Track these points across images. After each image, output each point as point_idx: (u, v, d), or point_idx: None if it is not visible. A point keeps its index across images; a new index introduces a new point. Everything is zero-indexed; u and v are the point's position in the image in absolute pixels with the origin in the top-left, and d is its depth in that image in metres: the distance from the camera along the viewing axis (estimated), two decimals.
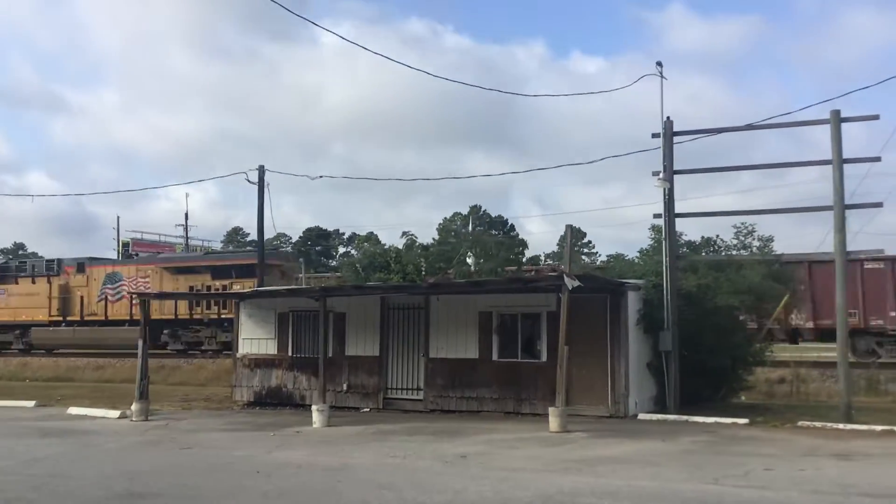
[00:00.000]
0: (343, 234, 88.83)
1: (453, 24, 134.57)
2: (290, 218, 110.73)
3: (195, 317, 33.23)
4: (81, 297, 35.85)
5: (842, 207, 14.98)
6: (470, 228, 66.52)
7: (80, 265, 36.57)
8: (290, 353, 19.27)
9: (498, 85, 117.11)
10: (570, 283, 13.54)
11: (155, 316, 30.23)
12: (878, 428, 13.82)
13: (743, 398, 22.38)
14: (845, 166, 15.10)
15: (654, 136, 16.63)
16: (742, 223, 19.32)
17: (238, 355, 20.03)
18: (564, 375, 14.03)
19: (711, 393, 18.14)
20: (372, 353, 18.23)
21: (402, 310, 18.08)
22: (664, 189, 16.26)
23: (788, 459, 10.94)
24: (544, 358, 16.42)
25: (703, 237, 20.34)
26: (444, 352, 17.55)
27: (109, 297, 35.58)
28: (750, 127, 16.42)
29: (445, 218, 75.92)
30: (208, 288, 32.48)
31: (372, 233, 58.47)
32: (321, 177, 37.65)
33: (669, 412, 15.96)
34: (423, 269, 20.66)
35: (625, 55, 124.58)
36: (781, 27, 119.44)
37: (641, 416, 15.73)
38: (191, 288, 32.62)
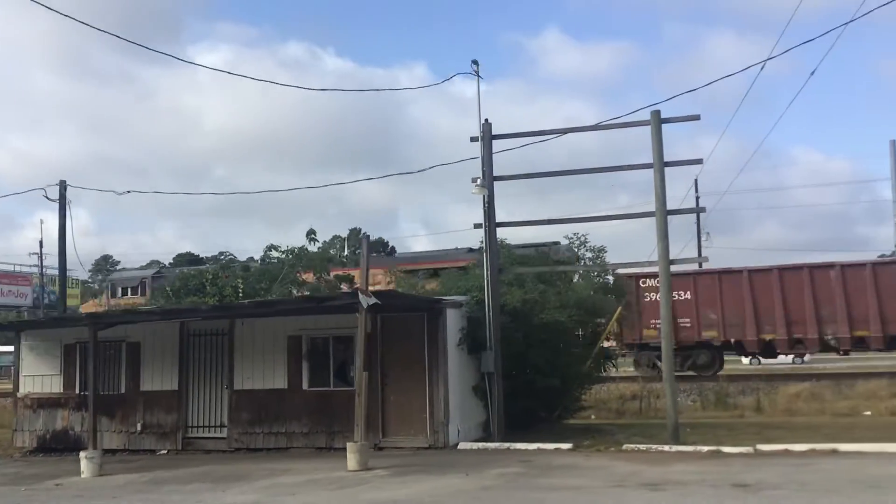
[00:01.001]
0: (221, 258, 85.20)
1: (334, 47, 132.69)
2: (168, 244, 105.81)
3: None
4: None
5: (664, 213, 14.13)
6: (345, 251, 64.82)
7: None
8: (77, 391, 16.85)
9: (380, 108, 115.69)
10: (366, 300, 12.00)
11: None
12: (705, 448, 12.89)
13: (593, 417, 21.57)
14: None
15: (473, 139, 15.41)
16: (574, 234, 18.41)
17: (19, 395, 17.46)
18: (364, 405, 12.46)
19: (547, 414, 17.06)
20: (170, 386, 16.10)
21: (204, 336, 16.07)
22: (483, 196, 15.03)
23: (593, 492, 9.71)
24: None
25: (536, 249, 19.26)
26: (251, 382, 15.65)
27: None
28: (571, 130, 15.49)
29: (325, 241, 74.20)
30: None
31: (252, 258, 55.98)
32: (128, 192, 34.21)
33: (493, 439, 14.64)
34: (241, 290, 18.70)
35: (505, 79, 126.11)
36: (651, 53, 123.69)
37: (463, 445, 14.32)
38: None
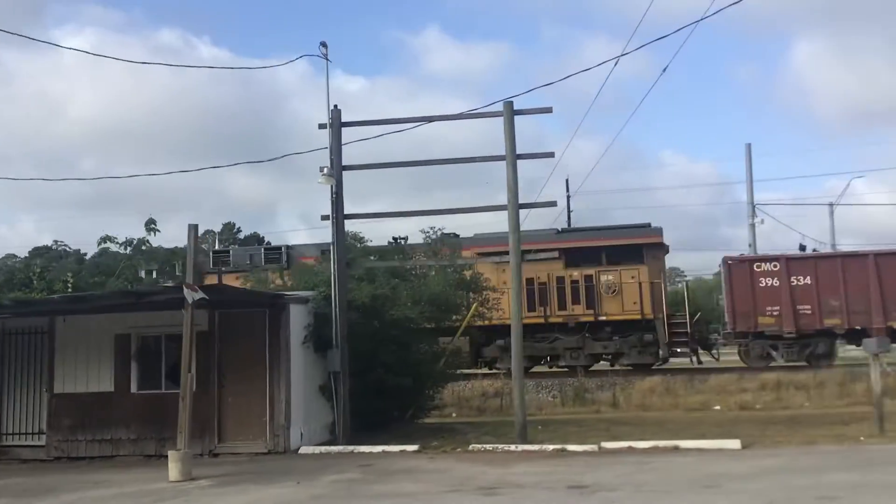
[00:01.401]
0: (85, 254, 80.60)
1: (210, 36, 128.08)
2: (28, 237, 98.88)
3: (532, 321, 24.44)
4: None
5: (516, 207, 13.77)
6: (217, 246, 62.39)
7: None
8: None
9: (257, 100, 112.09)
10: (192, 295, 11.02)
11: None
12: (551, 447, 12.60)
13: (454, 415, 21.16)
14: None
15: (321, 126, 14.62)
16: (431, 227, 17.91)
17: None
18: (189, 409, 11.47)
19: (401, 414, 16.48)
20: None
21: (21, 335, 14.63)
22: (331, 186, 14.26)
23: (427, 499, 9.14)
24: (194, 387, 13.76)
25: (390, 241, 18.63)
26: (73, 385, 14.34)
27: None
28: (426, 119, 14.90)
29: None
30: (559, 280, 25.20)
31: (80, 251, 52.71)
32: None
33: (338, 442, 13.91)
34: (71, 285, 17.18)
35: (389, 76, 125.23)
36: (530, 53, 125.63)
37: (304, 449, 13.51)
38: (528, 282, 24.61)
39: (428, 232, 18.08)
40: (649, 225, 25.88)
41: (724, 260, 25.41)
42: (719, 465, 10.55)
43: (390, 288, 15.22)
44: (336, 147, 14.41)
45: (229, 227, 74.05)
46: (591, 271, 24.75)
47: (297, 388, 13.79)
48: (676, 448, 12.12)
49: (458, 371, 18.28)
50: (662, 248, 25.13)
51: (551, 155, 14.08)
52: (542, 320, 24.84)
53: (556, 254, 25.10)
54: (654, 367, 25.40)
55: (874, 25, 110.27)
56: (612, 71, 15.43)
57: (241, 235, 72.10)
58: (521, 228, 14.44)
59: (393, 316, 15.04)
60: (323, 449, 13.52)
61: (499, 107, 13.94)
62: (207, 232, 70.95)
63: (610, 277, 24.64)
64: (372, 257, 17.27)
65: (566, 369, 25.14)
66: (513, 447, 12.75)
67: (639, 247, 24.65)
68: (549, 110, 14.08)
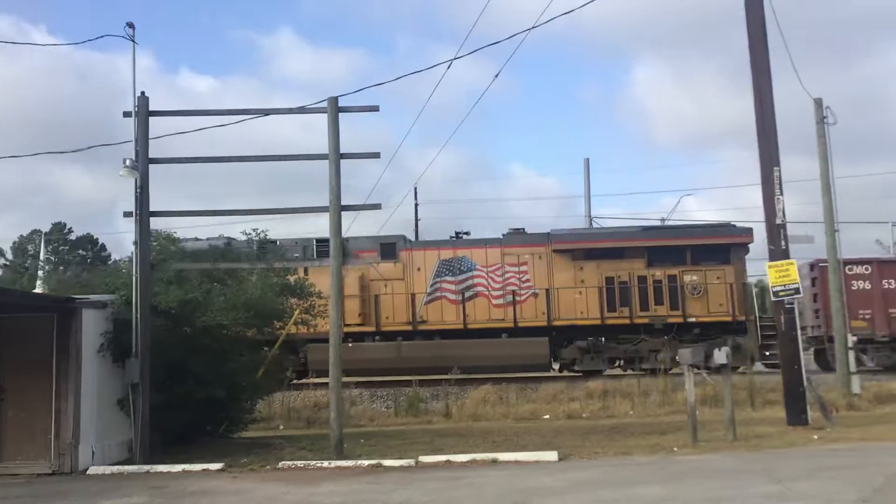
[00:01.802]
0: None
1: (47, 25, 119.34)
2: None
3: (617, 322, 23.69)
4: (376, 297, 24.28)
5: (338, 209, 13.04)
6: (42, 248, 57.85)
7: (389, 248, 24.62)
8: None
9: (99, 94, 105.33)
10: None
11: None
12: (366, 463, 11.93)
13: (281, 427, 20.10)
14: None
15: (126, 114, 13.36)
16: (254, 229, 16.89)
17: None
18: None
19: (213, 428, 15.33)
20: None
21: None
22: (135, 180, 13.02)
23: None
24: None
25: (208, 242, 17.45)
26: None
27: (448, 296, 24.47)
28: (243, 111, 13.89)
29: (22, 235, 66.41)
30: (641, 280, 23.90)
31: None
32: None
33: (135, 461, 12.65)
34: None
35: (236, 76, 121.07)
36: (384, 62, 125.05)
37: (94, 469, 12.19)
38: (608, 280, 23.97)
39: (250, 234, 17.02)
40: (734, 225, 25.34)
41: (816, 263, 25.12)
42: (533, 478, 10.21)
43: (203, 292, 14.07)
44: (142, 138, 13.19)
45: (59, 228, 69.10)
46: (674, 271, 24.18)
47: (88, 401, 12.45)
48: (494, 461, 11.74)
49: (293, 381, 17.20)
50: (745, 249, 24.53)
51: (377, 155, 13.44)
52: (627, 321, 24.17)
53: (543, 251, 24.47)
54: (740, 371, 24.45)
55: (708, 54, 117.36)
56: (444, 75, 15.03)
57: (73, 236, 67.67)
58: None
59: (205, 323, 13.91)
60: (116, 469, 12.24)
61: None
62: (34, 232, 66.04)
63: (694, 277, 24.06)
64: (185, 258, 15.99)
65: (643, 372, 23.92)
66: (325, 463, 11.98)
67: (726, 247, 24.15)
68: (375, 108, 13.48)
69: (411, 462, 11.81)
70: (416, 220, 64.43)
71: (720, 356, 12.99)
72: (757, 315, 23.79)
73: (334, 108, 13.12)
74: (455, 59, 14.68)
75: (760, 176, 15.16)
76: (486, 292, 24.82)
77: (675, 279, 23.97)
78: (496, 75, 16.21)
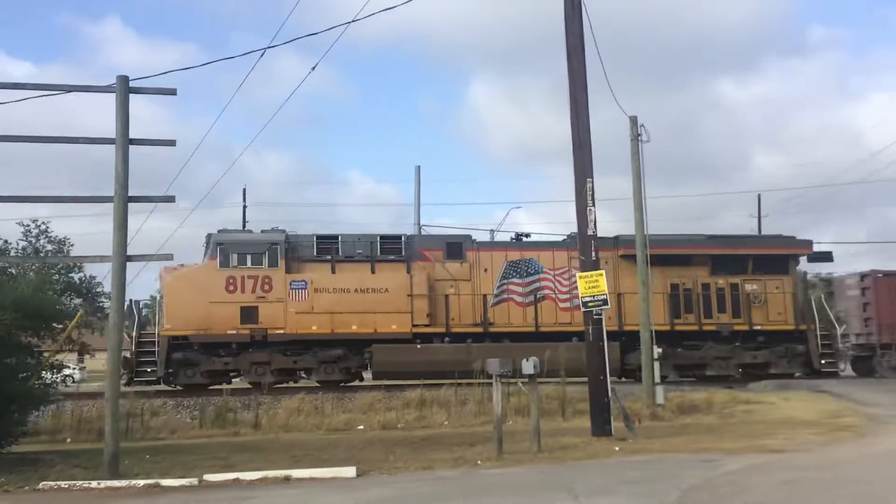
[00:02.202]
0: None
1: None
2: None
3: (685, 328, 23.81)
4: (446, 297, 23.67)
5: (124, 199, 11.74)
6: None
7: (454, 247, 24.40)
8: None
9: None
10: None
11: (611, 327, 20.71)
12: (142, 483, 10.70)
13: (69, 440, 18.24)
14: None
15: None
16: (33, 221, 15.15)
17: None
18: None
19: None
20: None
21: None
22: None
23: None
24: None
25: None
26: None
27: (515, 298, 24.10)
28: (39, 87, 12.30)
29: None
30: (704, 287, 24.19)
31: None
32: None
33: None
34: None
35: (58, 63, 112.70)
36: (216, 58, 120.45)
37: None
38: (673, 287, 24.24)
39: (28, 226, 15.25)
40: (794, 237, 25.62)
41: (870, 273, 26.17)
42: (324, 497, 9.46)
43: None
44: None
45: None
46: (736, 279, 24.34)
47: None
48: (288, 479, 10.86)
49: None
50: (798, 260, 25.17)
51: (172, 143, 12.20)
52: (696, 327, 24.16)
53: (610, 255, 23.89)
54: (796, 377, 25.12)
55: (541, 73, 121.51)
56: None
57: None
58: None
59: None
60: None
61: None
62: None
63: (755, 287, 24.22)
64: None
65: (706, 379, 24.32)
66: (94, 483, 10.66)
67: (785, 257, 24.62)
68: (172, 91, 12.27)
69: (194, 481, 10.72)
70: (245, 220, 62.28)
71: (528, 366, 12.76)
72: (817, 324, 24.56)
73: (124, 88, 11.85)
74: (269, 47, 13.75)
75: (574, 187, 15.21)
76: (553, 295, 24.53)
77: (737, 287, 24.31)
78: (312, 68, 15.35)
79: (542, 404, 20.76)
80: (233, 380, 24.75)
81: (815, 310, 25.04)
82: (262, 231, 23.74)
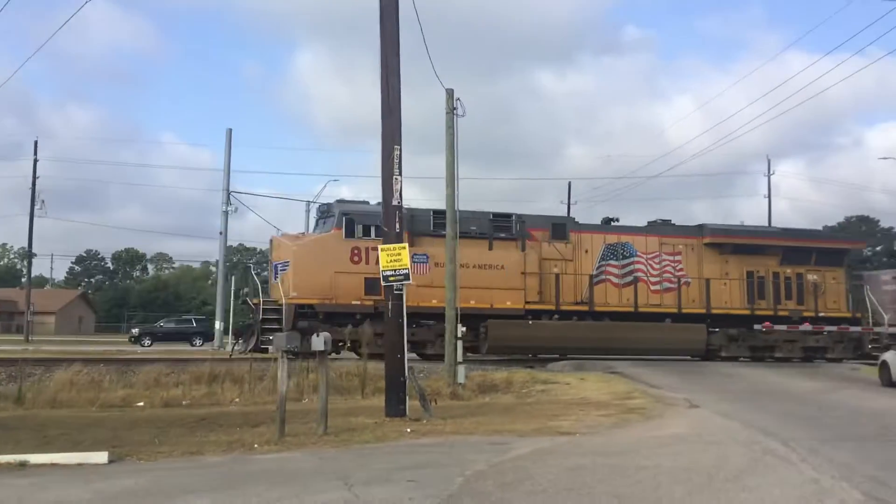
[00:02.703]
0: None
1: None
2: None
3: (762, 313, 26.47)
4: (557, 276, 25.04)
5: None
6: None
7: (559, 228, 25.77)
8: None
9: None
10: None
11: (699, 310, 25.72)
12: None
13: None
14: None
15: None
16: None
17: None
18: None
19: None
20: None
21: None
22: None
23: None
24: None
25: None
26: None
27: (612, 279, 26.07)
28: None
29: None
30: (775, 276, 26.90)
31: None
32: None
33: None
34: None
35: None
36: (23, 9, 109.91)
37: None
38: (748, 274, 26.92)
39: None
40: (849, 232, 28.90)
41: None
42: (59, 489, 8.06)
43: None
44: None
45: None
46: (801, 269, 27.14)
47: None
48: (24, 465, 9.33)
49: None
50: (852, 254, 28.43)
51: None
52: (771, 312, 27.00)
53: (696, 242, 27.64)
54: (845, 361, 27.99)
55: (365, 45, 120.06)
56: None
57: None
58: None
59: None
60: None
61: None
62: None
63: (815, 277, 26.99)
64: None
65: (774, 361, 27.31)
66: None
67: (842, 251, 27.81)
68: None
69: None
70: (35, 177, 56.92)
71: (318, 342, 11.81)
72: (870, 313, 27.37)
73: None
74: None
75: (381, 155, 14.38)
76: (645, 278, 26.50)
77: (801, 277, 27.16)
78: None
79: (343, 382, 20.12)
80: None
81: (867, 300, 28.01)
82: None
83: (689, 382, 21.87)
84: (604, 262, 26.37)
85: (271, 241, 25.91)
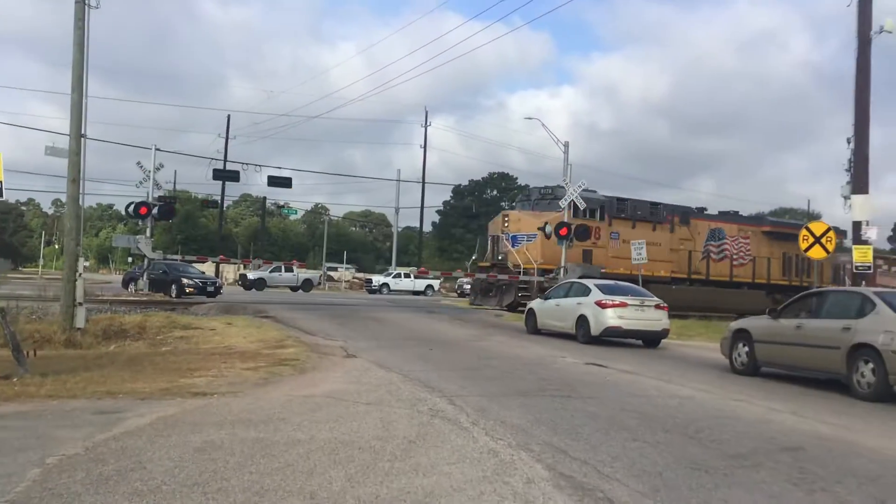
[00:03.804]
0: None
1: None
2: None
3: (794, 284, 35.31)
4: (689, 252, 34.47)
5: None
6: None
7: (685, 215, 35.18)
8: None
9: None
10: None
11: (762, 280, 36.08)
12: None
13: None
14: None
15: None
16: None
17: None
18: None
19: None
20: None
21: None
22: None
23: None
24: None
25: None
26: None
27: (713, 255, 35.25)
28: None
29: None
30: (797, 256, 34.51)
31: None
32: None
33: None
34: None
35: None
36: None
37: None
38: (784, 255, 36.65)
39: None
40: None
41: None
42: None
43: None
44: None
45: None
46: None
47: None
48: None
49: None
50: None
51: None
52: (798, 283, 35.41)
53: (756, 229, 38.00)
54: None
55: None
56: None
57: None
58: None
59: None
60: None
61: None
62: None
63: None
64: None
65: None
66: None
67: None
68: None
69: None
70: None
71: None
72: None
73: None
74: None
75: None
76: (731, 255, 35.51)
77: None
78: None
79: None
80: None
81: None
82: (585, 190, 31.02)
83: (345, 328, 20.69)
84: (708, 243, 35.07)
85: (507, 215, 33.82)
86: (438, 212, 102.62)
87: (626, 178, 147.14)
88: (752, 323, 13.86)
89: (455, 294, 57.72)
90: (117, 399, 9.30)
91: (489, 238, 35.25)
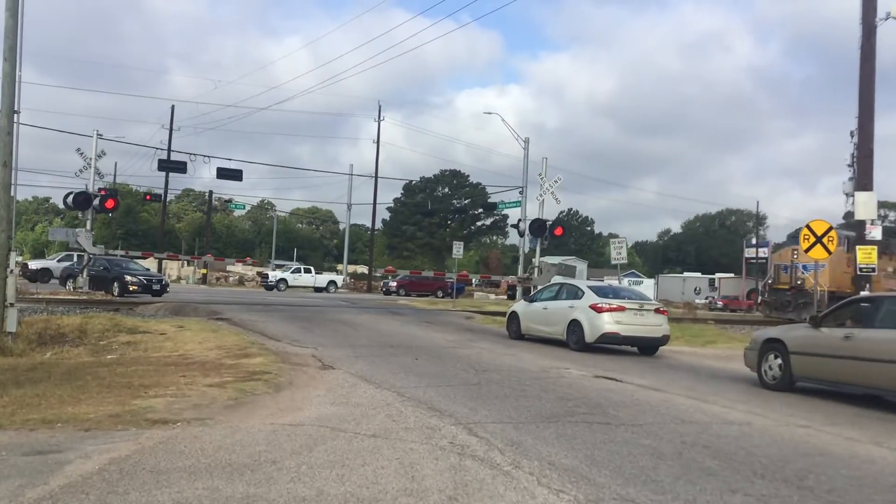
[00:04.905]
0: None
1: None
2: None
3: None
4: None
5: None
6: None
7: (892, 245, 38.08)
8: None
9: None
10: None
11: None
12: None
13: None
14: None
15: None
16: None
17: None
18: None
19: None
20: None
21: None
22: None
23: None
24: None
25: None
26: None
27: None
28: None
29: None
30: None
31: None
32: None
33: None
34: None
35: None
36: None
37: None
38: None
39: None
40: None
41: None
42: None
43: None
44: None
45: None
46: None
47: None
48: None
49: None
50: None
51: None
52: None
53: None
54: None
55: None
56: None
57: None
58: None
59: None
60: None
61: None
62: None
63: None
64: None
65: None
66: None
67: None
68: None
69: None
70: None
71: None
72: None
73: None
74: None
75: None
76: None
77: None
78: None
79: None
80: None
81: None
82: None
83: (312, 333, 18.77)
84: None
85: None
86: (388, 209, 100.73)
87: (577, 175, 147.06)
88: (788, 333, 12.39)
89: (382, 292, 58.56)
90: (55, 430, 7.35)
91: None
